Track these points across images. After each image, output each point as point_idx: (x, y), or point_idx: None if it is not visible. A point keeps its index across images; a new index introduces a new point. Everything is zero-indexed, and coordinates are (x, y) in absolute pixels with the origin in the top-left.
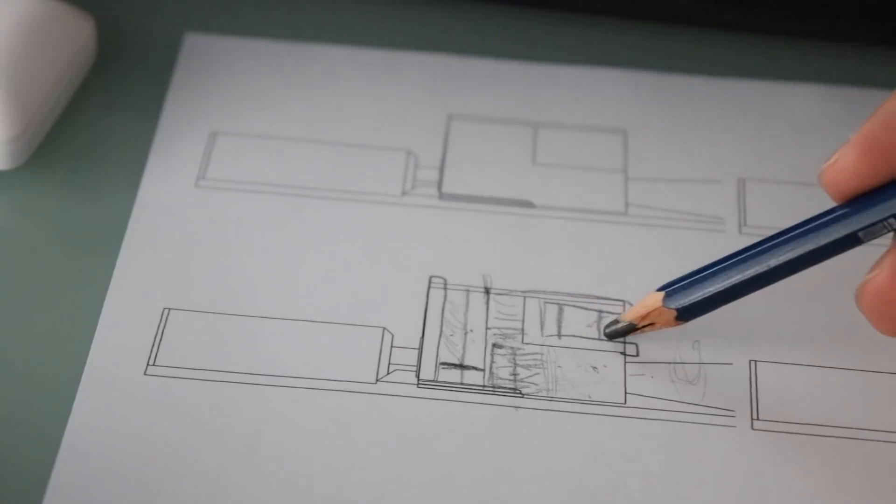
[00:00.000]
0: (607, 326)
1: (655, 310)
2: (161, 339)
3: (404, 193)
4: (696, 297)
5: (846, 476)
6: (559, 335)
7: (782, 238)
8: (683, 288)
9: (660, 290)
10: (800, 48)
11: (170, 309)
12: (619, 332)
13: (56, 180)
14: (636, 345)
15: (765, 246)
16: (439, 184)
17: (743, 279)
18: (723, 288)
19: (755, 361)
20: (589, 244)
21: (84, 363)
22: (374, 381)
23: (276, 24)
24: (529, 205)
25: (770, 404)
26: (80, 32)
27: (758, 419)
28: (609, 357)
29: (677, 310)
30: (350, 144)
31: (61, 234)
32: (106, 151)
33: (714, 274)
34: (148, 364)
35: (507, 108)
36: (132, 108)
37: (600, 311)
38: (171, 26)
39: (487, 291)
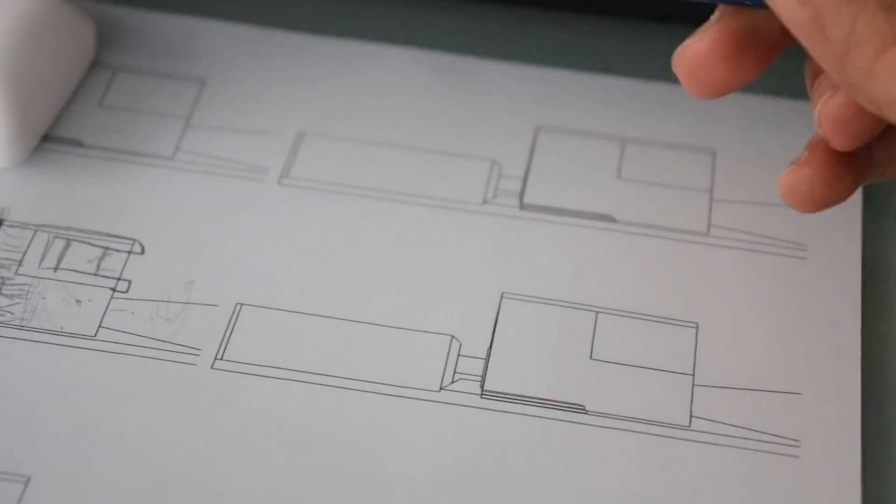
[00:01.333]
0: None
1: None
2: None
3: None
4: None
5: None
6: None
7: None
8: None
9: None
10: None
11: (242, 304)
12: None
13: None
14: (129, 282)
15: None
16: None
17: None
18: None
19: (241, 304)
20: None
21: None
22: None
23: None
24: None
25: (240, 346)
26: (80, 32)
27: (221, 359)
28: (96, 292)
29: None
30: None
31: None
32: None
33: None
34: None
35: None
36: None
37: (106, 248)
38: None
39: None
